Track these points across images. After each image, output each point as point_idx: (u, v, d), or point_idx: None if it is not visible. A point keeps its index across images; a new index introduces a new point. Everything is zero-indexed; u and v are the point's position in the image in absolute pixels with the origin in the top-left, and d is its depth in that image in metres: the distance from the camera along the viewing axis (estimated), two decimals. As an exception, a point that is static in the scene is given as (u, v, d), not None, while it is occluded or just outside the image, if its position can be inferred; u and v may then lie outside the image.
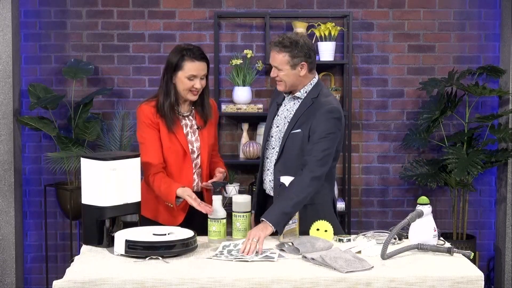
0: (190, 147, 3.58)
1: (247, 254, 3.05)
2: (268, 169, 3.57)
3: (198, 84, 3.50)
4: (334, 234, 3.37)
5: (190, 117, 3.61)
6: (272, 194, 3.53)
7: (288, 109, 3.54)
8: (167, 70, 3.52)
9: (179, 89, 3.52)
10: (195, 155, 3.60)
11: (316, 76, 3.53)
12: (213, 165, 3.69)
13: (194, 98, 3.55)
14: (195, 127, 3.60)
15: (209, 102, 3.64)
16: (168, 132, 3.53)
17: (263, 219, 3.21)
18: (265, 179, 3.60)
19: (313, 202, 3.41)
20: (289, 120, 3.49)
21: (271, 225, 3.19)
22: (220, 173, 3.61)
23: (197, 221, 3.53)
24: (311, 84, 3.49)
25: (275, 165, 3.50)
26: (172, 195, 3.45)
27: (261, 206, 3.59)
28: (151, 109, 3.54)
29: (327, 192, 3.51)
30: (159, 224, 3.53)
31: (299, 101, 3.50)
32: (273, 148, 3.54)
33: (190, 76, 3.48)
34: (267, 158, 3.58)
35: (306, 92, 3.49)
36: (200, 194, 3.62)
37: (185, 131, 3.58)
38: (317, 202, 3.45)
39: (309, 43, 3.44)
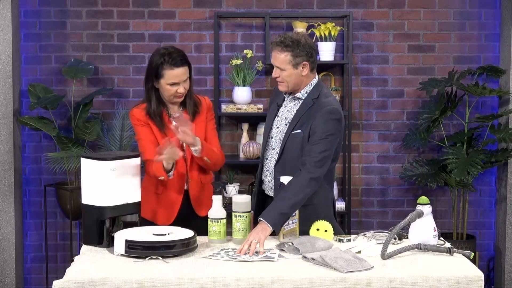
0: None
1: (250, 255, 3.05)
2: (267, 170, 3.56)
3: (181, 88, 3.52)
4: (334, 234, 3.37)
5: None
6: (271, 194, 3.53)
7: (288, 110, 3.53)
8: (148, 78, 3.55)
9: (164, 95, 3.57)
10: (185, 154, 3.60)
11: (317, 77, 3.52)
12: None
13: (179, 100, 3.59)
14: None
15: (192, 101, 3.62)
16: (159, 134, 3.58)
17: (261, 219, 3.21)
18: (264, 179, 3.59)
19: (312, 203, 3.41)
20: (289, 121, 3.49)
21: (269, 225, 3.19)
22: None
23: (194, 224, 3.54)
24: (311, 84, 3.49)
25: (275, 165, 3.49)
26: (159, 164, 3.43)
27: (260, 206, 3.58)
28: (142, 111, 3.60)
29: (326, 193, 3.50)
30: (157, 225, 3.54)
31: (299, 102, 3.49)
32: (273, 149, 3.54)
33: (171, 83, 3.51)
34: (267, 158, 3.57)
35: (306, 92, 3.48)
36: (187, 194, 3.65)
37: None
38: (316, 202, 3.44)
39: (310, 43, 3.43)
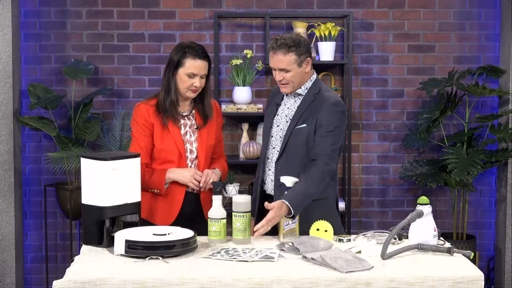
0: (189, 147, 3.58)
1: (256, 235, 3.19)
2: (269, 169, 3.57)
3: (197, 82, 3.50)
4: (335, 232, 3.37)
5: (190, 116, 3.61)
6: (273, 194, 3.54)
7: (288, 107, 3.55)
8: (169, 67, 3.53)
9: (179, 86, 3.52)
10: (194, 156, 3.59)
11: (314, 73, 3.57)
12: (211, 166, 3.68)
13: (193, 95, 3.55)
14: (195, 127, 3.60)
15: (209, 102, 3.63)
16: (162, 133, 3.54)
17: (285, 201, 3.24)
18: (266, 179, 3.59)
19: (316, 198, 3.42)
20: (290, 118, 3.51)
21: (291, 209, 3.24)
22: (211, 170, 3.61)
23: (194, 223, 3.53)
24: (311, 80, 3.53)
25: (276, 162, 3.50)
26: (161, 180, 3.52)
27: (263, 208, 3.59)
28: (150, 108, 3.55)
29: (330, 189, 3.53)
30: (154, 224, 3.53)
31: (300, 98, 3.52)
32: (274, 147, 3.55)
33: (190, 74, 3.49)
34: (268, 158, 3.58)
35: (306, 88, 3.52)
36: (197, 195, 3.62)
37: (183, 131, 3.58)
38: (320, 198, 3.46)
39: (306, 39, 3.50)
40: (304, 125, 3.45)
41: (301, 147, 3.44)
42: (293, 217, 3.28)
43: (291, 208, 3.23)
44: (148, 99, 3.61)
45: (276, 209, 3.21)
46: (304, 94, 3.51)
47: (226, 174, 3.76)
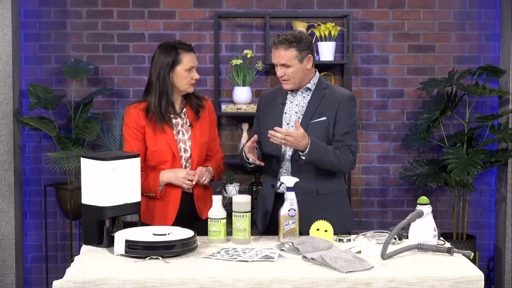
0: (182, 146, 3.58)
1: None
2: (281, 167, 3.57)
3: (196, 74, 3.56)
4: (346, 223, 3.42)
5: (182, 115, 3.61)
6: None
7: (297, 104, 3.58)
8: (161, 70, 3.51)
9: (178, 84, 3.52)
10: (188, 154, 3.59)
11: (317, 71, 3.63)
12: (204, 164, 3.67)
13: (192, 89, 3.59)
14: (188, 125, 3.60)
15: (194, 96, 3.65)
16: (155, 135, 3.53)
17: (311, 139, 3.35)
18: (280, 178, 3.58)
19: (332, 191, 3.53)
20: (303, 113, 3.54)
21: (308, 147, 3.34)
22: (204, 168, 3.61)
23: (190, 223, 3.53)
24: (316, 76, 3.60)
25: (291, 156, 3.53)
26: (155, 183, 3.52)
27: (273, 206, 3.58)
28: (140, 112, 3.55)
29: (342, 182, 3.65)
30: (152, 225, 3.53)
31: (308, 94, 3.57)
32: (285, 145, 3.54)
33: (189, 68, 3.52)
34: (280, 156, 3.58)
35: (314, 84, 3.58)
36: (191, 195, 3.62)
37: (175, 131, 3.57)
38: (336, 190, 3.56)
39: (308, 37, 3.56)
40: (324, 118, 3.50)
41: (319, 139, 3.47)
42: (301, 156, 3.40)
43: (309, 145, 3.33)
44: (136, 102, 3.61)
45: (301, 133, 3.32)
46: (313, 90, 3.57)
47: (220, 170, 3.74)
